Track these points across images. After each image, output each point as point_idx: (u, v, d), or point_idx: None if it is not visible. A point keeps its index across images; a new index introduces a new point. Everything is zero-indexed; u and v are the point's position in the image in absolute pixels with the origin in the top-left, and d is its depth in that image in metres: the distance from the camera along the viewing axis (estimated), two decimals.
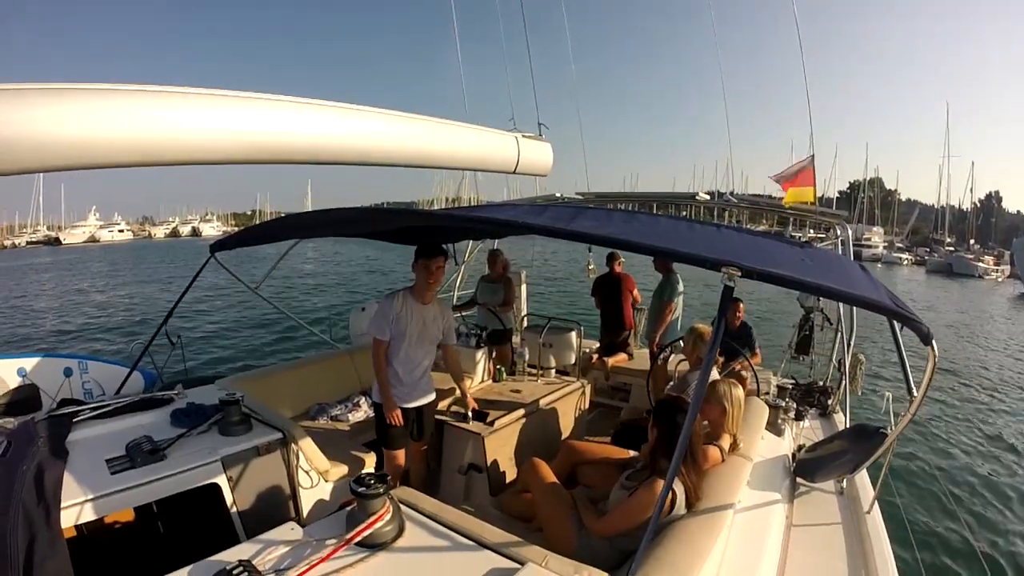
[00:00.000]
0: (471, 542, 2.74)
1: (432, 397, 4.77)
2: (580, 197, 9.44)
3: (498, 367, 6.44)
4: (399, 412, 4.42)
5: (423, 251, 4.36)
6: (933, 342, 2.77)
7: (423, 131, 4.28)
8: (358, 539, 2.60)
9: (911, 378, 3.67)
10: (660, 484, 3.17)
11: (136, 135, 2.39)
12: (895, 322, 3.46)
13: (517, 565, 2.57)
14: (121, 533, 4.02)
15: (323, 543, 2.60)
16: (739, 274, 2.23)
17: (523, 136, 5.41)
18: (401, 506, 2.93)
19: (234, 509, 3.69)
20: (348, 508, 2.89)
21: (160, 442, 3.75)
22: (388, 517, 2.70)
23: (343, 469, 4.38)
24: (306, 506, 4.08)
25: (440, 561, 2.69)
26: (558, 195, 8.65)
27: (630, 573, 2.45)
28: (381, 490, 2.69)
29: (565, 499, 3.74)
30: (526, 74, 7.24)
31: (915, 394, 3.40)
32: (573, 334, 6.98)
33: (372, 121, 3.84)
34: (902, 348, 4.00)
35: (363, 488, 2.66)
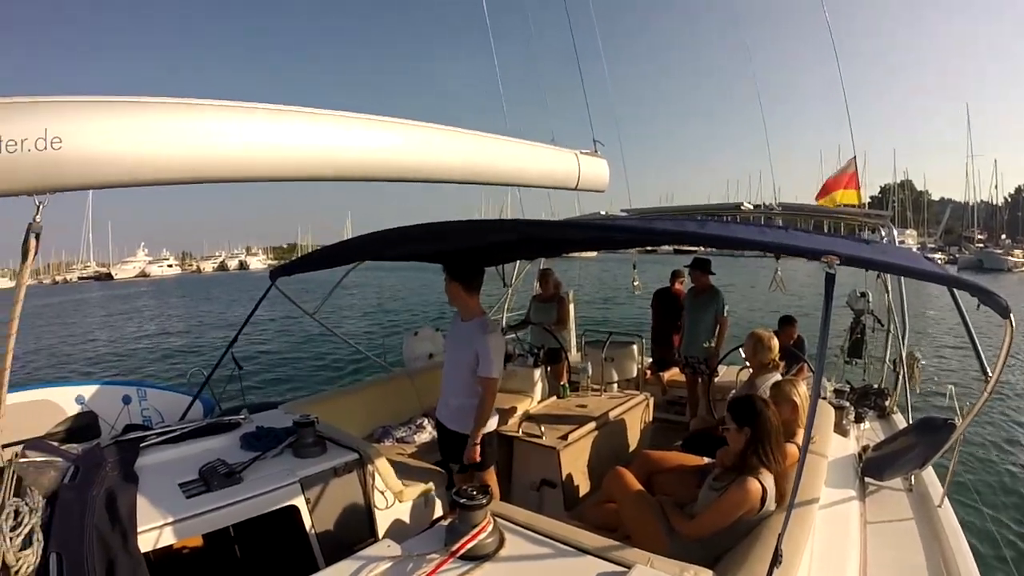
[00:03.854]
0: (572, 549, 2.71)
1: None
2: (624, 214, 9.36)
3: (562, 384, 6.41)
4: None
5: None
6: (1011, 315, 2.83)
7: (490, 149, 4.29)
8: (462, 552, 2.57)
9: (983, 357, 3.74)
10: (752, 481, 3.24)
11: (208, 151, 2.39)
12: (959, 302, 3.49)
13: (623, 568, 2.53)
14: (189, 559, 4.04)
15: (424, 558, 2.57)
16: (839, 262, 2.27)
17: (581, 153, 5.43)
18: (496, 518, 2.91)
19: (312, 531, 3.66)
20: (446, 522, 2.87)
21: (235, 465, 3.75)
22: (490, 528, 2.67)
23: (417, 489, 4.34)
24: (382, 527, 4.04)
25: (546, 569, 2.66)
26: (602, 212, 8.61)
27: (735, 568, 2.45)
28: (484, 501, 2.66)
29: (652, 505, 3.72)
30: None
31: (990, 374, 3.47)
32: (635, 347, 7.00)
33: (445, 139, 3.84)
34: (971, 329, 4.10)
35: (465, 499, 2.64)
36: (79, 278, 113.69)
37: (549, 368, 7.15)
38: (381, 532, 4.01)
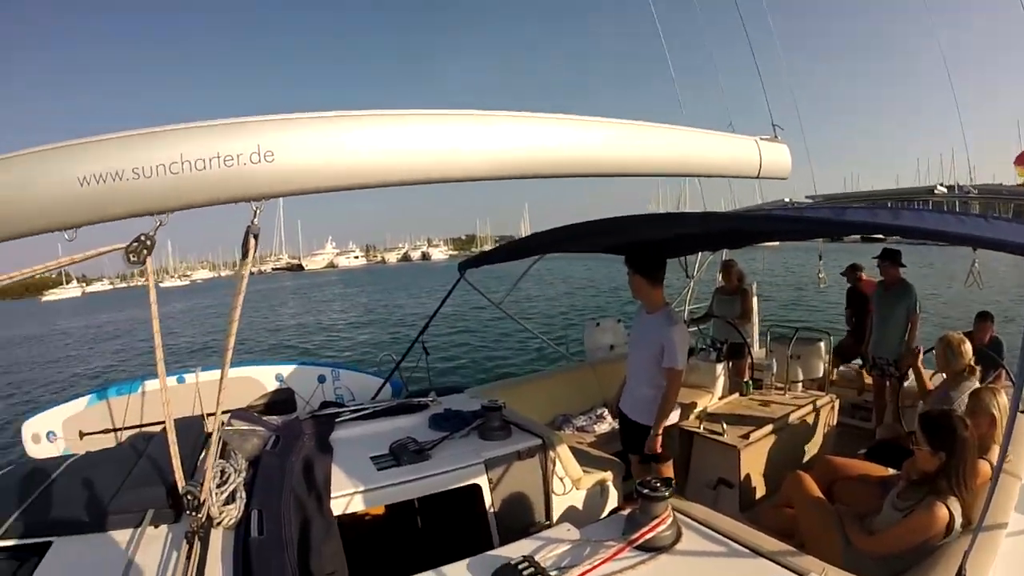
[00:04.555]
0: (747, 550, 2.66)
1: None
2: (810, 201, 8.94)
3: (745, 381, 6.25)
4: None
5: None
6: None
7: (669, 139, 4.23)
8: (640, 541, 2.59)
9: None
10: (939, 507, 3.05)
11: (399, 157, 2.52)
12: None
13: None
14: (370, 527, 4.29)
15: (602, 544, 2.61)
16: None
17: (761, 139, 5.24)
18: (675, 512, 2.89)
19: (491, 510, 3.80)
20: (626, 512, 2.88)
21: (424, 443, 3.95)
22: (669, 521, 2.68)
23: (593, 478, 4.38)
24: (557, 512, 4.11)
25: (719, 567, 2.64)
26: (786, 199, 8.23)
27: None
28: (666, 493, 2.67)
29: (831, 514, 3.60)
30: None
31: None
32: (822, 345, 6.69)
33: (624, 132, 3.82)
34: None
35: (648, 490, 2.65)
36: (273, 268, 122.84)
37: (731, 364, 7.00)
38: (556, 517, 4.09)
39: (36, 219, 2.17)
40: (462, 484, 3.76)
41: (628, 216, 4.19)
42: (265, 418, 4.35)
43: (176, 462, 2.94)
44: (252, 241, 2.35)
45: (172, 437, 2.93)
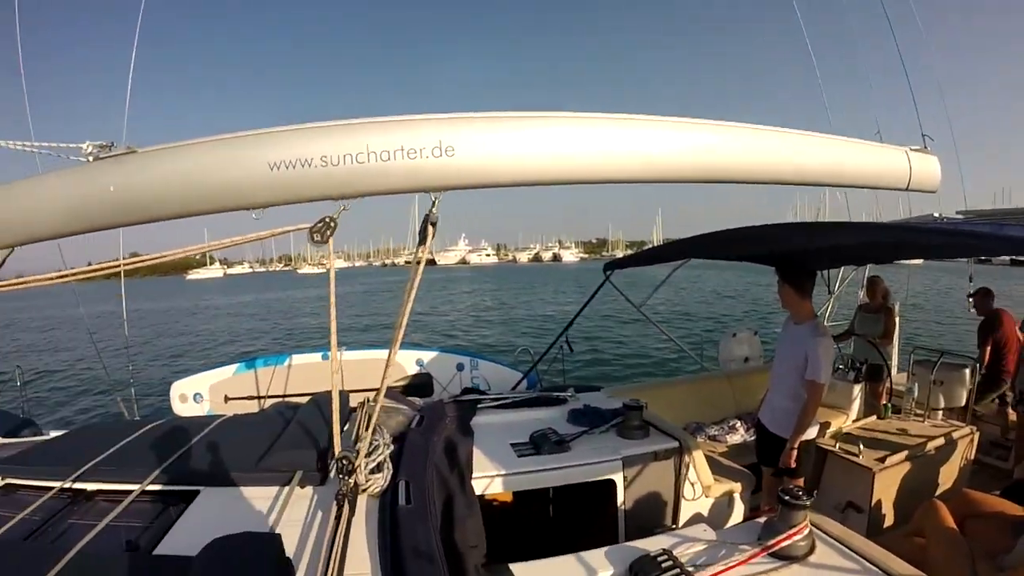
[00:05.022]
0: (879, 571, 2.60)
1: None
2: (961, 217, 8.48)
3: (884, 403, 6.03)
4: None
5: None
6: None
7: (813, 147, 4.14)
8: (776, 548, 2.59)
9: None
10: None
11: (565, 157, 2.63)
12: None
13: None
14: (498, 512, 4.39)
15: (737, 547, 2.63)
16: None
17: (911, 150, 5.07)
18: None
19: (623, 507, 3.87)
20: (763, 519, 2.88)
21: (564, 435, 4.06)
22: (806, 532, 2.66)
23: (723, 487, 4.38)
24: (683, 517, 4.13)
25: None
26: (936, 214, 7.85)
27: None
28: (807, 502, 2.65)
29: (963, 549, 3.44)
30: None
31: None
32: (967, 372, 6.39)
33: (765, 139, 3.77)
34: None
35: (789, 497, 2.64)
36: (405, 262, 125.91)
37: (868, 385, 6.78)
38: (682, 521, 4.12)
39: (229, 198, 2.42)
40: (597, 478, 3.85)
41: (781, 224, 4.18)
42: (409, 398, 4.59)
43: (336, 428, 3.17)
44: (430, 229, 2.50)
45: (336, 406, 3.15)
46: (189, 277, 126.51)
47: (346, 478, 2.98)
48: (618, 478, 3.87)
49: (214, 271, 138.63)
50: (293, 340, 27.18)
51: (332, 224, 2.42)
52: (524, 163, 2.43)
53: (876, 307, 7.47)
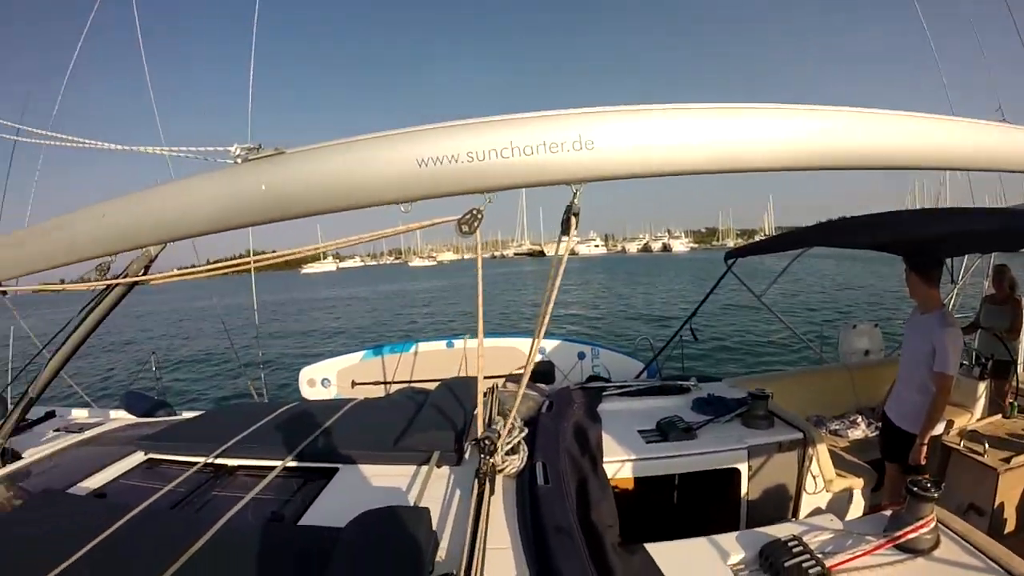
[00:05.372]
0: (1003, 571, 2.56)
1: None
2: None
3: (1010, 402, 5.70)
4: None
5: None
6: None
7: (932, 130, 4.05)
8: (902, 540, 2.61)
9: None
10: None
11: (698, 149, 2.70)
12: None
13: None
14: (620, 496, 4.49)
15: (863, 537, 2.66)
16: None
17: None
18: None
19: (745, 497, 3.92)
20: (890, 511, 2.88)
21: (691, 423, 4.13)
22: (932, 525, 2.66)
23: (844, 483, 4.34)
24: (804, 510, 4.13)
25: None
26: None
27: None
28: (936, 495, 2.64)
29: None
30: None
31: None
32: None
33: (882, 122, 3.70)
34: None
35: (918, 489, 2.63)
36: (515, 254, 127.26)
37: (993, 383, 6.49)
38: (802, 514, 4.12)
39: (381, 192, 2.59)
40: (723, 467, 3.91)
41: (907, 211, 4.13)
42: (537, 384, 4.74)
43: (481, 410, 3.38)
44: (573, 220, 2.62)
45: (481, 389, 3.35)
46: (304, 271, 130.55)
47: (487, 458, 3.15)
48: (743, 467, 3.92)
49: (327, 265, 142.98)
50: (413, 329, 28.30)
51: (479, 216, 2.57)
52: (659, 154, 2.51)
53: (1003, 298, 7.09)
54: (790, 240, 5.89)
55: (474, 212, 2.56)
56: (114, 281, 3.66)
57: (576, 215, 2.61)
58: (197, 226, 3.08)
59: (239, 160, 2.86)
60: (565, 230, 2.67)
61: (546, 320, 2.96)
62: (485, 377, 3.96)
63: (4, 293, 4.35)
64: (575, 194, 2.56)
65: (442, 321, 31.06)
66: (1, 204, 5.72)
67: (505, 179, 2.49)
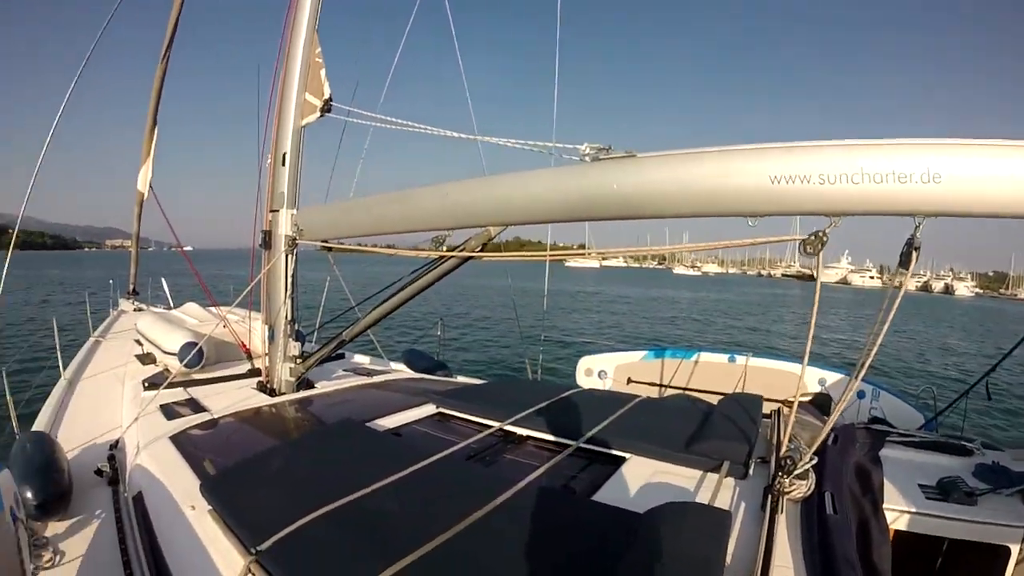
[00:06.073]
0: None
1: None
2: None
3: None
4: None
5: None
6: None
7: None
8: None
9: None
10: None
11: None
12: None
13: None
14: None
15: None
16: None
17: None
18: None
19: None
20: None
21: (973, 488, 3.88)
22: None
23: None
24: None
25: None
26: None
27: None
28: None
29: None
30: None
31: None
32: None
33: None
34: None
35: None
36: (782, 274, 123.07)
37: None
38: None
39: (728, 204, 2.76)
40: (993, 541, 3.60)
41: None
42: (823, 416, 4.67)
43: (772, 431, 3.38)
44: (914, 254, 2.59)
45: (794, 409, 3.38)
46: (568, 264, 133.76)
47: (783, 477, 3.17)
48: (1015, 548, 3.60)
49: (591, 261, 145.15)
50: (680, 338, 28.35)
51: (824, 239, 2.61)
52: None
53: None
54: None
55: (819, 234, 2.60)
56: (449, 253, 4.10)
57: (917, 249, 2.58)
58: (540, 214, 3.38)
59: (587, 158, 3.10)
60: (904, 263, 2.64)
61: (869, 360, 2.93)
62: (766, 399, 3.97)
63: (330, 250, 4.99)
64: (917, 227, 2.54)
65: (711, 332, 31.09)
66: (331, 178, 6.46)
67: (851, 205, 2.55)
